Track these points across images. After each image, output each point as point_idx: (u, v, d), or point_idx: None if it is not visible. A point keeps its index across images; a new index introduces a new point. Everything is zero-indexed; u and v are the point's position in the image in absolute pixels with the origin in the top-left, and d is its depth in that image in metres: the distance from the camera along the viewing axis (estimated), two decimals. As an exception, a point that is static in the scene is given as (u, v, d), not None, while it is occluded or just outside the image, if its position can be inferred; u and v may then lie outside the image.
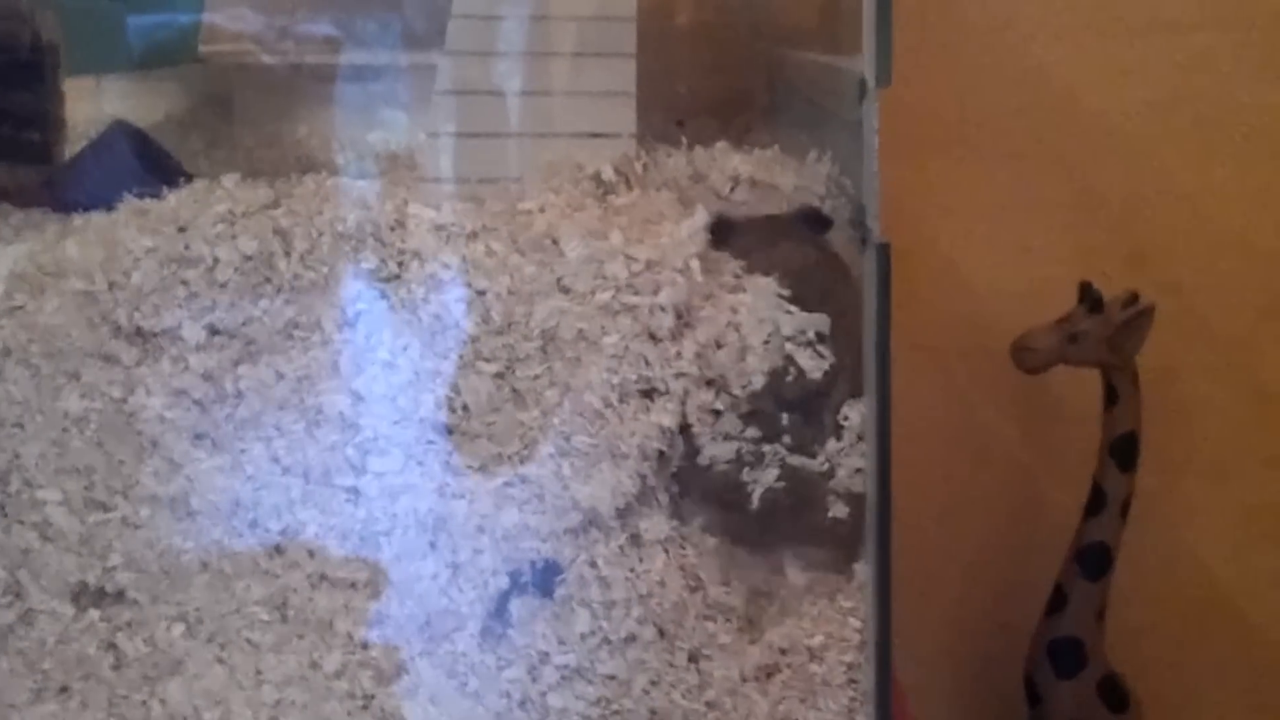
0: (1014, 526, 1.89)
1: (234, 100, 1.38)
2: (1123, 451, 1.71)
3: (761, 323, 1.11)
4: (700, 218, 1.13)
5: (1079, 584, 1.72)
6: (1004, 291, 1.83)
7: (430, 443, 1.14)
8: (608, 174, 1.21)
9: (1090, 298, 1.67)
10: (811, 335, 1.11)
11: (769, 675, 1.15)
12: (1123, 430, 1.71)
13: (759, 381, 1.12)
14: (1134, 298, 1.69)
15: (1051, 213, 1.85)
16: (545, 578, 1.14)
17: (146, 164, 1.22)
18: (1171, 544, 1.89)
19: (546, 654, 1.14)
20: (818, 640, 1.16)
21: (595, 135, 1.24)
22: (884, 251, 1.08)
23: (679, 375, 1.12)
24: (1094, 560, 1.72)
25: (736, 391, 1.12)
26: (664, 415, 1.13)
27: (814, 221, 1.19)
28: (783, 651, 1.16)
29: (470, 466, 1.13)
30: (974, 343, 1.81)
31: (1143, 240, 1.84)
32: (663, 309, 1.11)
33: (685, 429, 1.14)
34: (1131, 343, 1.69)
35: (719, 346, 1.12)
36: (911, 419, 1.91)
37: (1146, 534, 1.82)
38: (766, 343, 1.11)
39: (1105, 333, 1.67)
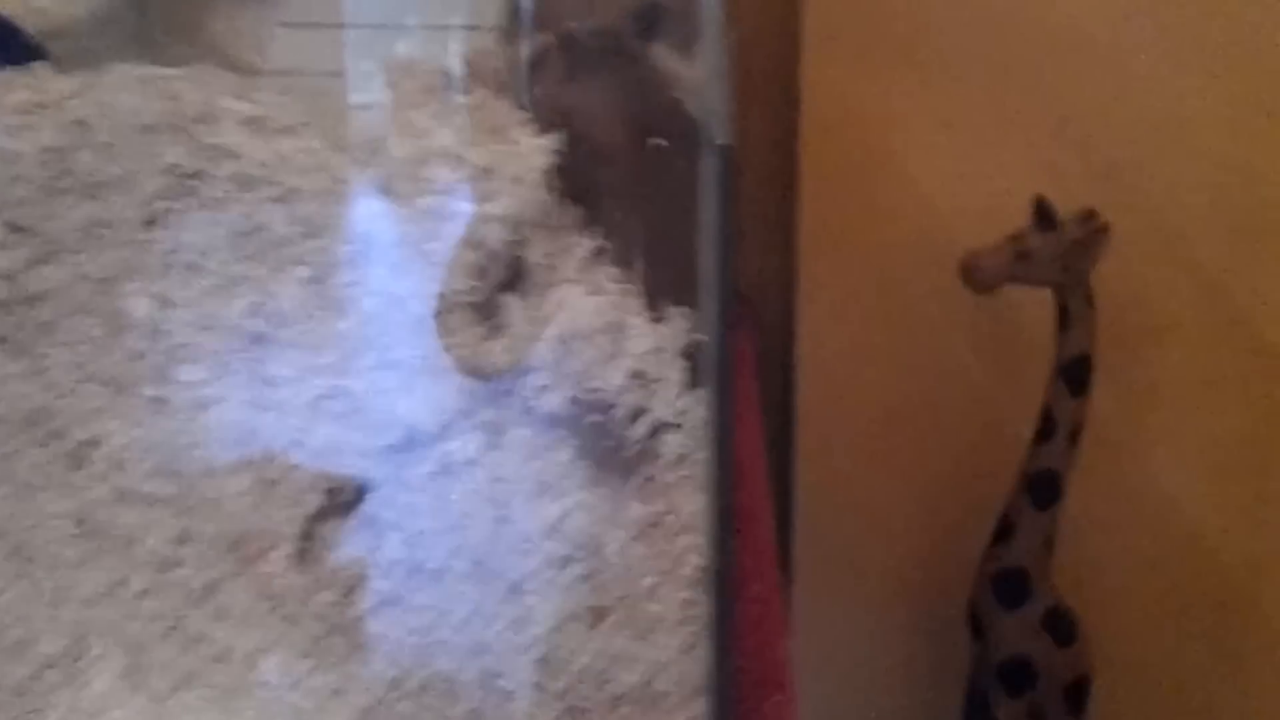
0: (968, 450, 1.82)
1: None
2: (1074, 375, 1.63)
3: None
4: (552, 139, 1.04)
5: (1026, 513, 1.65)
6: (965, 208, 1.75)
7: (240, 351, 1.05)
8: (454, 68, 1.12)
9: (1043, 214, 1.58)
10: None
11: (600, 615, 1.06)
12: (1075, 353, 1.63)
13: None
14: (1090, 215, 1.60)
15: (1016, 127, 1.76)
16: (360, 498, 1.06)
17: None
18: (1133, 472, 1.81)
19: (360, 578, 1.06)
20: (650, 580, 1.06)
21: (456, 27, 1.14)
22: (725, 154, 0.98)
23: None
24: (1042, 488, 1.65)
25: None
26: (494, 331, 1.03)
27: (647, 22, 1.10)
28: (615, 588, 1.06)
29: (283, 377, 1.05)
30: (932, 260, 1.71)
31: (1111, 156, 1.74)
32: (494, 220, 1.02)
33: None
34: (1085, 262, 1.60)
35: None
36: (865, 337, 1.85)
37: (1107, 462, 1.74)
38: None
39: (1057, 251, 1.59)
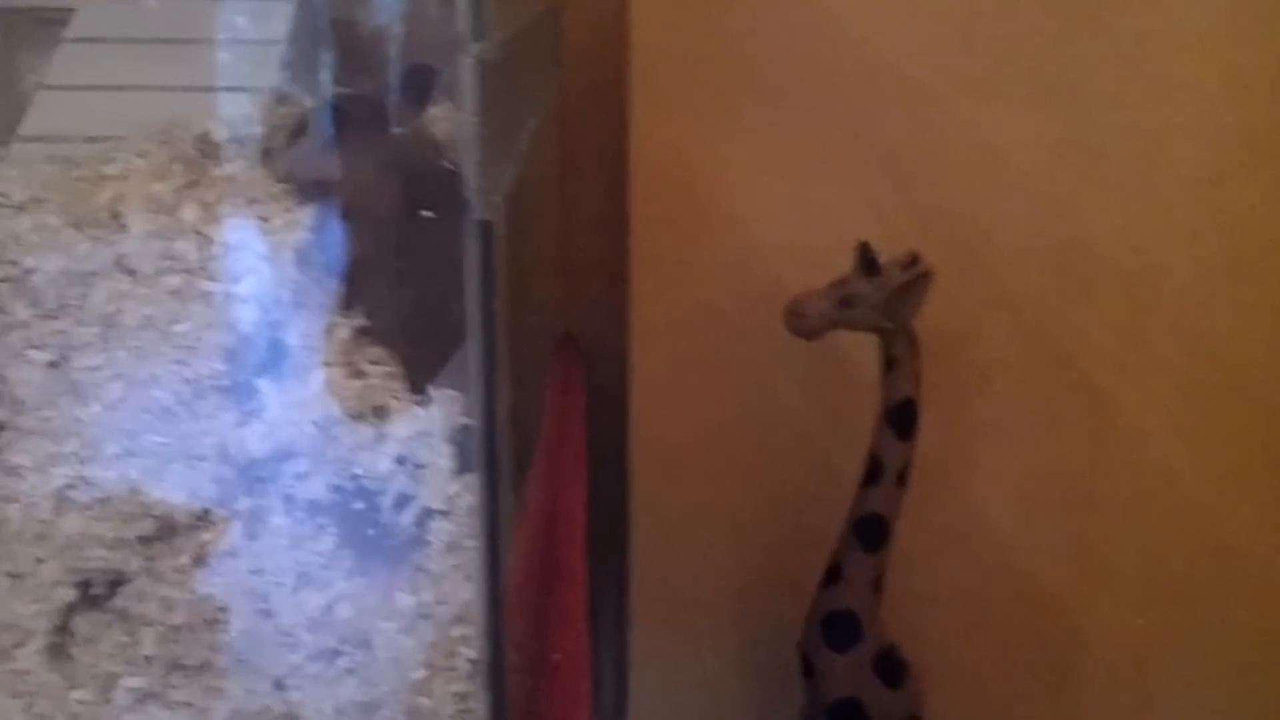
0: (800, 491, 1.79)
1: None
2: (900, 419, 1.61)
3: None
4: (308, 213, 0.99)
5: (854, 555, 1.63)
6: (793, 251, 1.73)
7: (-23, 439, 0.99)
8: (215, 134, 1.06)
9: (865, 261, 1.55)
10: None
11: (370, 710, 1.02)
12: (900, 398, 1.61)
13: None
14: (914, 260, 1.58)
15: (841, 168, 1.73)
16: (113, 591, 1.01)
17: None
18: (961, 510, 1.80)
19: (115, 675, 1.01)
20: (422, 673, 1.02)
21: (218, 89, 1.09)
22: (485, 229, 0.93)
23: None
24: (870, 531, 1.63)
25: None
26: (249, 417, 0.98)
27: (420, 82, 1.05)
28: (385, 682, 1.02)
29: (25, 466, 0.99)
30: (761, 301, 1.68)
31: (933, 195, 1.72)
32: (244, 301, 0.96)
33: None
34: (908, 307, 1.58)
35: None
36: (696, 381, 1.82)
37: (936, 499, 1.72)
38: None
39: (880, 297, 1.56)
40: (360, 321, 1.02)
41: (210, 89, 1.12)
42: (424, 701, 1.04)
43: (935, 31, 1.69)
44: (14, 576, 1.02)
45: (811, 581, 1.65)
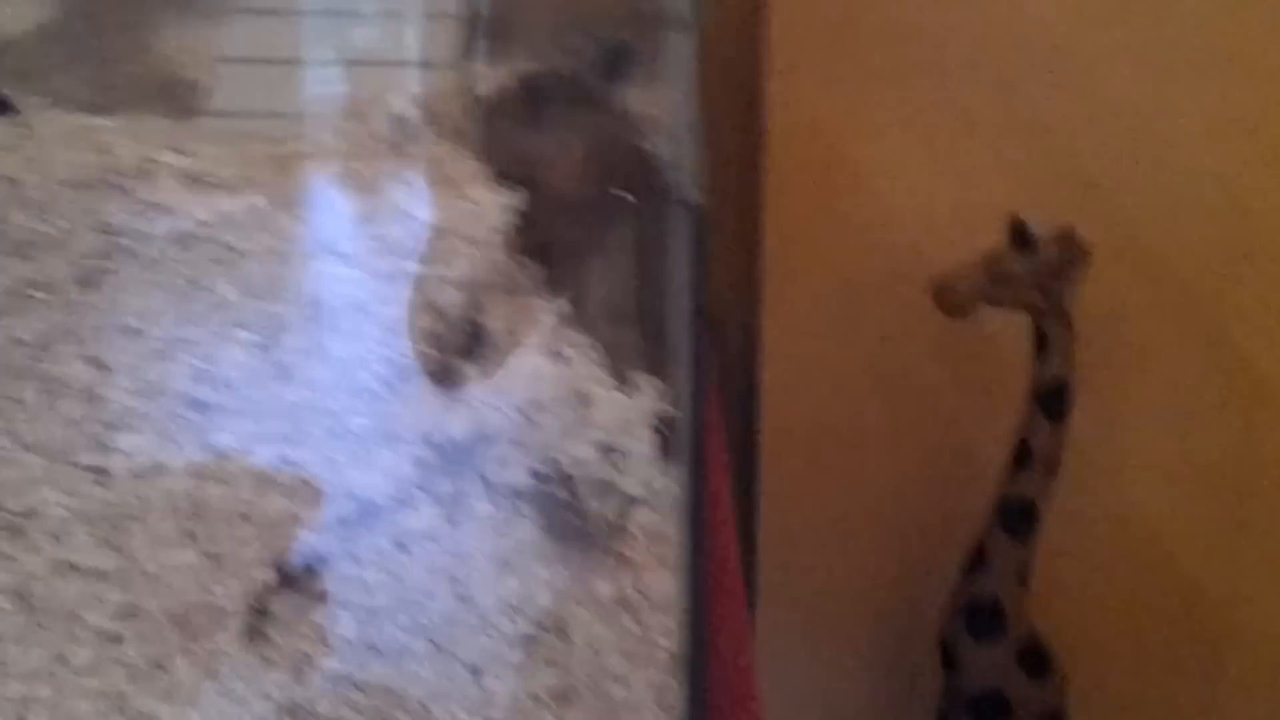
0: (938, 475, 1.76)
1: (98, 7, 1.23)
2: (1051, 402, 1.58)
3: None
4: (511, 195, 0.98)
5: (1000, 542, 1.60)
6: (934, 222, 1.69)
7: (184, 419, 0.99)
8: (409, 113, 1.05)
9: (1019, 235, 1.52)
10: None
11: (565, 699, 1.01)
12: (1052, 379, 1.58)
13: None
14: (1069, 236, 1.55)
15: (988, 137, 1.70)
16: (311, 573, 1.00)
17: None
18: (1112, 498, 1.76)
19: (310, 657, 1.00)
20: (618, 662, 1.01)
21: (405, 64, 1.07)
22: (697, 216, 0.92)
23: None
24: (1018, 517, 1.60)
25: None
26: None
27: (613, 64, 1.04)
28: (581, 670, 1.01)
29: (229, 446, 0.99)
30: (901, 276, 1.66)
31: (1088, 168, 1.68)
32: (450, 283, 0.96)
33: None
34: (1063, 285, 1.55)
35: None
36: (830, 357, 1.80)
37: (1083, 487, 1.69)
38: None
39: (1034, 274, 1.53)
40: (563, 306, 1.00)
41: (390, 63, 1.10)
42: (620, 692, 1.03)
43: (1094, -5, 1.62)
44: (212, 556, 1.02)
45: (948, 569, 1.62)
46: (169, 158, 0.99)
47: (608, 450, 1.00)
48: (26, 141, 1.00)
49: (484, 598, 1.02)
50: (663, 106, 0.96)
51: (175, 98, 1.17)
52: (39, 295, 1.00)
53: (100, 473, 1.01)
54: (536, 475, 1.01)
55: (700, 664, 1.00)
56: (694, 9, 0.90)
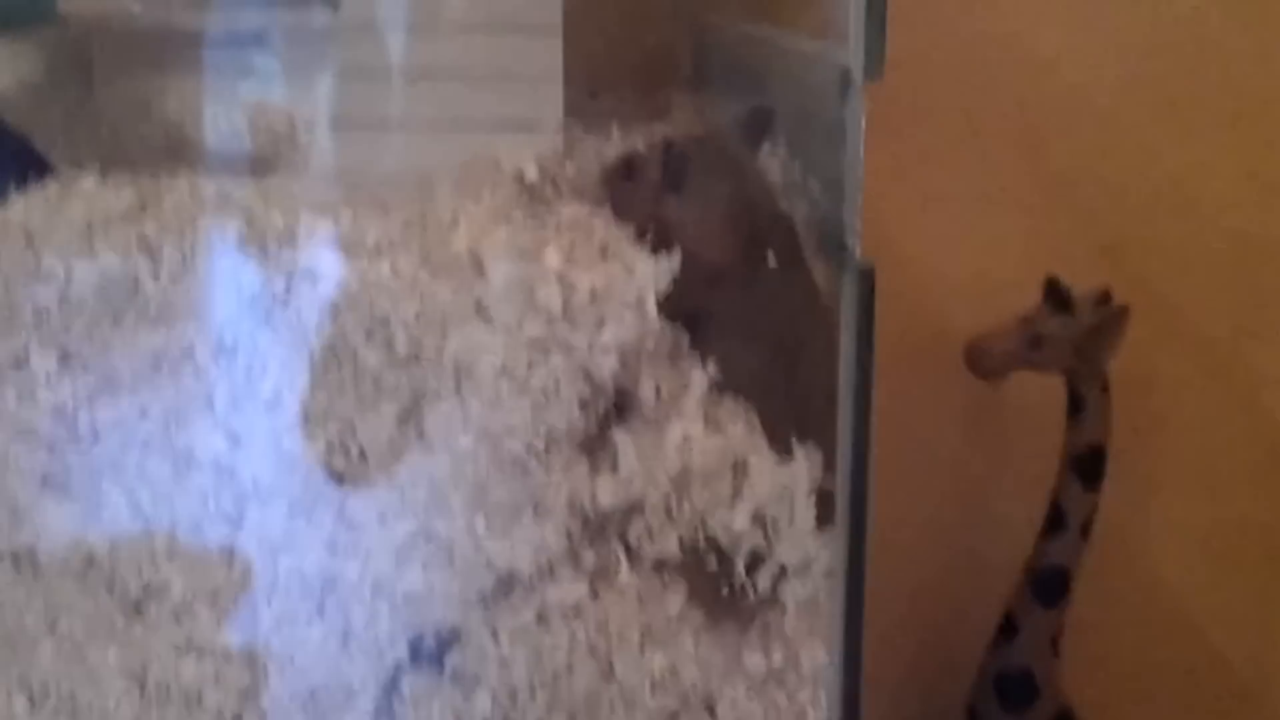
0: (965, 545, 1.74)
1: (95, 67, 1.19)
2: (1087, 467, 1.57)
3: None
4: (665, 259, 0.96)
5: (1032, 611, 1.58)
6: (960, 285, 1.67)
7: (319, 492, 0.96)
8: (531, 174, 1.03)
9: (1056, 295, 1.52)
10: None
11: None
12: (1088, 444, 1.57)
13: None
14: (1106, 296, 1.54)
15: (1016, 199, 1.68)
16: (448, 649, 0.97)
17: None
18: (1140, 567, 1.75)
19: (448, 738, 0.97)
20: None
21: (512, 127, 1.06)
22: (867, 277, 0.91)
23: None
24: (1050, 585, 1.58)
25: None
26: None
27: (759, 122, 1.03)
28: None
29: (366, 519, 0.95)
30: (926, 342, 1.65)
31: (1118, 231, 1.68)
32: (605, 349, 0.93)
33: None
34: (1102, 347, 1.54)
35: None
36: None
37: (1112, 555, 1.68)
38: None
39: (1072, 336, 1.52)
40: (715, 372, 0.99)
41: (493, 123, 1.08)
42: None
43: (1120, 55, 1.64)
44: (345, 634, 0.99)
45: (978, 638, 1.60)
46: (311, 220, 0.95)
47: (762, 520, 0.98)
48: (156, 204, 0.97)
49: (628, 673, 0.99)
50: (835, 168, 0.94)
51: (254, 159, 1.14)
52: (170, 366, 0.96)
53: (228, 549, 0.97)
54: (686, 545, 0.98)
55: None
56: (877, 73, 0.89)
